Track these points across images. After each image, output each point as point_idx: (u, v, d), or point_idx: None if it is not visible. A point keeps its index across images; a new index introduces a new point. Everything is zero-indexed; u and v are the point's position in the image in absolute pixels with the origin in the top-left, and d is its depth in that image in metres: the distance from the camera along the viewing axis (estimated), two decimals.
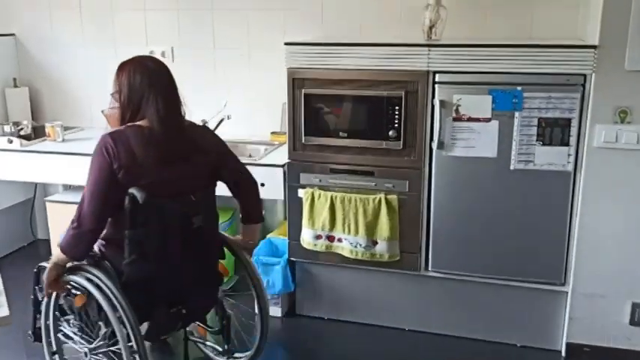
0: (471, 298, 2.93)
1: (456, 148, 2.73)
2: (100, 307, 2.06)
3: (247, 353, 2.49)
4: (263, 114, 3.49)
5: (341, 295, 3.12)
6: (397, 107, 2.75)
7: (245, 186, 2.36)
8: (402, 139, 2.78)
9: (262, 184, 2.99)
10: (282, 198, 3.05)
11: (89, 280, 2.07)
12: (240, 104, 3.52)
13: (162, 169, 2.06)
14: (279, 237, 3.24)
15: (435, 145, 2.74)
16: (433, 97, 2.71)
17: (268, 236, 3.33)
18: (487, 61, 2.63)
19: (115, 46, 3.72)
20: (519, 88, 2.61)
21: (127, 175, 2.01)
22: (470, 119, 2.69)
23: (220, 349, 2.55)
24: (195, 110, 3.60)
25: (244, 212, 2.40)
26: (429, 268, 2.91)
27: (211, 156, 2.23)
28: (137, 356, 2.00)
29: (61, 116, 3.92)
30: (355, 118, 2.85)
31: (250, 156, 3.32)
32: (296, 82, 2.86)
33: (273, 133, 3.44)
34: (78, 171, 3.20)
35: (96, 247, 2.16)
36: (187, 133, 2.19)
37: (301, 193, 2.96)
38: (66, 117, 3.92)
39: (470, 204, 2.78)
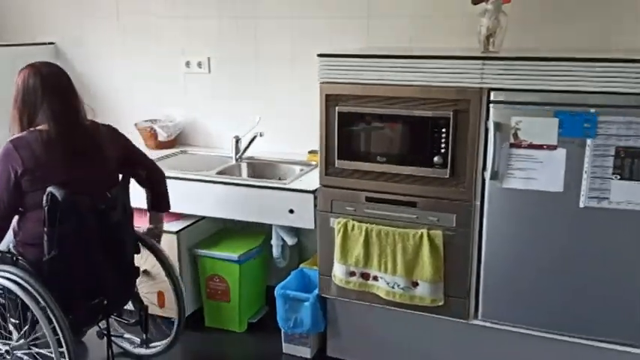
0: (528, 356, 2.49)
1: (514, 179, 2.31)
2: (20, 305, 2.16)
3: (165, 341, 2.70)
4: (303, 131, 3.17)
5: (376, 338, 2.75)
6: (444, 130, 2.37)
7: (155, 178, 2.55)
8: (449, 167, 2.39)
9: (291, 211, 2.69)
10: (313, 227, 2.72)
11: (7, 278, 2.16)
12: (279, 120, 3.24)
13: (71, 168, 2.19)
14: (312, 268, 2.92)
15: (488, 175, 2.33)
16: (487, 118, 2.31)
17: (301, 266, 3.02)
18: (554, 77, 2.20)
19: (150, 56, 3.52)
20: (593, 110, 2.17)
21: (33, 178, 2.14)
22: (531, 146, 2.27)
23: (139, 341, 2.73)
24: (229, 125, 3.43)
25: (154, 200, 2.57)
26: (479, 317, 2.50)
27: (118, 152, 2.38)
28: (65, 350, 2.10)
29: None
30: (395, 140, 2.49)
31: (280, 179, 3.02)
32: (329, 98, 2.53)
33: (310, 152, 3.12)
34: None
35: (12, 248, 2.27)
36: (88, 131, 2.30)
37: (333, 222, 2.62)
38: None
39: (529, 245, 2.35)
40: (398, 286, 2.52)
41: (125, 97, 3.67)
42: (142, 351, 2.77)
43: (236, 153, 3.21)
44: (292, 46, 3.19)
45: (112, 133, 2.44)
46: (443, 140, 2.38)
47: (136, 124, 3.48)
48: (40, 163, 2.15)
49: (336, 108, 2.52)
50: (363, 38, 3.03)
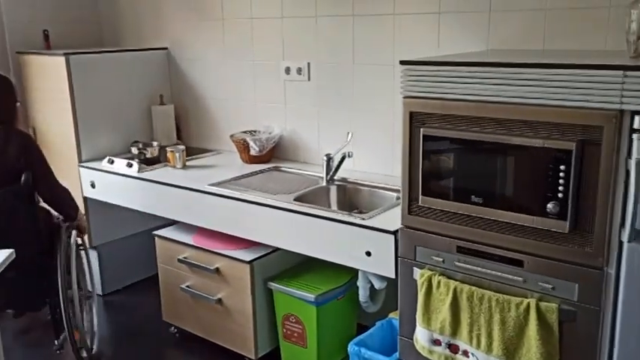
0: None
1: None
2: None
3: None
4: None
5: None
6: (564, 166, 1.69)
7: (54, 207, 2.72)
8: (569, 218, 1.71)
9: (368, 253, 2.19)
10: (393, 276, 2.19)
11: None
12: (381, 135, 2.75)
13: None
14: None
15: (626, 235, 1.62)
16: (628, 154, 1.60)
17: (391, 315, 2.49)
18: None
19: (253, 61, 3.22)
20: None
21: None
22: None
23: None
24: (327, 139, 3.01)
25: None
26: None
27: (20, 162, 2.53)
28: None
29: (202, 137, 3.59)
30: (497, 177, 1.85)
31: (360, 211, 2.51)
32: (414, 117, 1.98)
33: None
34: (177, 204, 2.79)
35: None
36: None
37: (417, 274, 2.07)
38: (206, 138, 3.57)
39: None
40: None
41: (226, 107, 3.42)
42: None
43: (327, 173, 2.77)
44: (393, 49, 2.66)
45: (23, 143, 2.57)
46: (561, 181, 1.71)
47: (231, 136, 3.20)
48: None
49: (421, 130, 1.96)
50: (481, 39, 2.41)
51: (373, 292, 2.61)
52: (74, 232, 2.76)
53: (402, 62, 1.97)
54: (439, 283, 1.99)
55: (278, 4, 3.02)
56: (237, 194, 2.62)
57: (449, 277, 1.99)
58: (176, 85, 3.64)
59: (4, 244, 2.31)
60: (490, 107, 1.81)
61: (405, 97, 1.99)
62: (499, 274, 1.89)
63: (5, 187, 2.49)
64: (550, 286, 1.80)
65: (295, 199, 2.55)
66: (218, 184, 2.76)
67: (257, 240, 2.61)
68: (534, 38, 2.29)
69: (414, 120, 1.98)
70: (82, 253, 2.89)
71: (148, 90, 3.54)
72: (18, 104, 2.72)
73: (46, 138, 3.42)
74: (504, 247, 1.87)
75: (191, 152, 3.38)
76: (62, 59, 3.15)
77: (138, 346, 3.02)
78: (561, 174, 1.70)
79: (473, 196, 1.89)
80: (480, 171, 1.88)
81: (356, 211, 2.60)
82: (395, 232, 2.14)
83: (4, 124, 2.59)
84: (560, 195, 1.72)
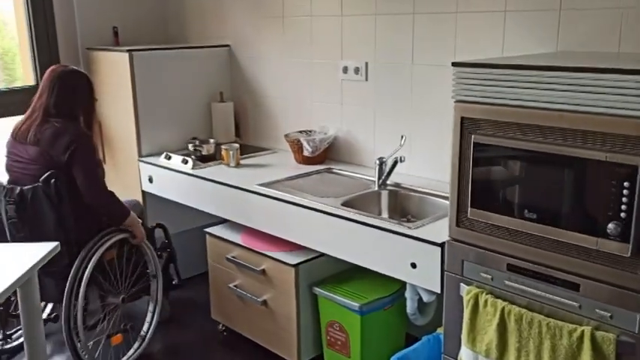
0: None
1: None
2: None
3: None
4: None
5: None
6: (627, 183, 1.52)
7: (92, 206, 2.60)
8: (631, 241, 1.54)
9: (413, 265, 2.08)
10: (439, 290, 2.06)
11: None
12: (436, 140, 2.62)
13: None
14: None
15: None
16: None
17: (439, 331, 2.36)
18: None
19: (311, 59, 3.16)
20: None
21: None
22: None
23: None
24: (383, 141, 2.91)
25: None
26: None
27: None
28: None
29: (260, 136, 3.57)
30: (552, 191, 1.70)
31: (409, 219, 2.39)
32: (466, 123, 1.85)
33: None
34: (227, 202, 2.78)
35: None
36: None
37: (463, 290, 1.94)
38: (263, 137, 3.55)
39: None
40: None
41: (284, 105, 3.38)
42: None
43: (379, 177, 2.67)
44: (454, 50, 2.52)
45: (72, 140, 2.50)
46: (625, 199, 1.53)
47: (286, 136, 3.16)
48: None
49: (473, 137, 1.82)
50: (550, 40, 2.24)
51: (422, 304, 2.49)
52: (108, 243, 2.58)
53: (455, 64, 1.84)
54: (486, 302, 1.85)
55: (338, 2, 2.95)
56: (284, 195, 2.57)
57: (497, 297, 1.84)
58: (236, 83, 3.64)
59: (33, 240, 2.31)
60: (550, 115, 1.66)
61: (456, 102, 1.86)
62: (552, 297, 1.73)
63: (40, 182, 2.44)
64: (608, 314, 1.62)
65: (343, 204, 2.46)
66: (267, 185, 2.72)
67: (303, 244, 2.55)
68: (609, 40, 2.10)
69: (466, 126, 1.85)
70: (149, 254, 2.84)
71: (208, 87, 3.56)
72: (87, 102, 2.67)
73: (110, 133, 3.51)
74: (559, 269, 1.71)
75: (247, 150, 3.38)
76: (126, 55, 3.21)
77: (185, 342, 3.04)
78: (625, 192, 1.53)
79: (526, 211, 1.74)
80: (536, 184, 1.73)
81: (405, 219, 2.49)
82: (442, 245, 2.01)
83: (64, 118, 2.55)
84: (622, 215, 1.54)
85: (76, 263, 2.47)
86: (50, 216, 2.45)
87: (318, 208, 2.43)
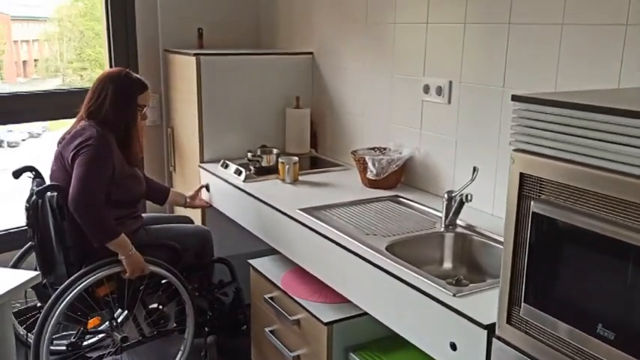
0: None
1: None
2: None
3: None
4: None
5: None
6: None
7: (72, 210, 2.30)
8: None
9: (453, 346, 1.58)
10: None
11: None
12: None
13: None
14: None
15: None
16: None
17: None
18: None
19: (392, 74, 2.68)
20: None
21: None
22: None
23: None
24: (461, 174, 2.35)
25: None
26: None
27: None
28: None
29: (335, 150, 3.16)
30: None
31: (459, 279, 1.80)
32: (527, 182, 1.29)
33: None
34: (270, 227, 2.42)
35: None
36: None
37: None
38: (338, 151, 3.13)
39: None
40: None
41: (359, 118, 2.94)
42: None
43: (446, 216, 2.13)
44: (556, 73, 1.92)
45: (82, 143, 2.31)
46: None
47: (354, 152, 2.71)
48: None
49: (532, 204, 1.27)
50: None
51: None
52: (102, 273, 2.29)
53: (515, 98, 1.29)
54: None
55: (424, 6, 2.45)
56: (321, 227, 2.13)
57: None
58: (316, 92, 3.26)
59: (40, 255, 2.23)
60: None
61: (515, 150, 1.31)
62: None
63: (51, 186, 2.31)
64: None
65: (388, 247, 1.96)
66: (310, 211, 2.29)
67: (345, 294, 2.09)
68: None
69: (525, 187, 1.29)
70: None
71: (284, 93, 3.22)
72: (123, 108, 2.41)
73: (179, 137, 3.31)
74: None
75: (319, 164, 3.03)
76: (193, 59, 2.97)
77: None
78: None
79: (600, 326, 1.16)
80: (618, 289, 1.14)
81: (458, 277, 1.92)
82: (490, 328, 1.46)
83: (94, 120, 2.38)
84: None
85: (51, 298, 2.23)
86: (52, 229, 2.29)
87: (352, 249, 1.95)
